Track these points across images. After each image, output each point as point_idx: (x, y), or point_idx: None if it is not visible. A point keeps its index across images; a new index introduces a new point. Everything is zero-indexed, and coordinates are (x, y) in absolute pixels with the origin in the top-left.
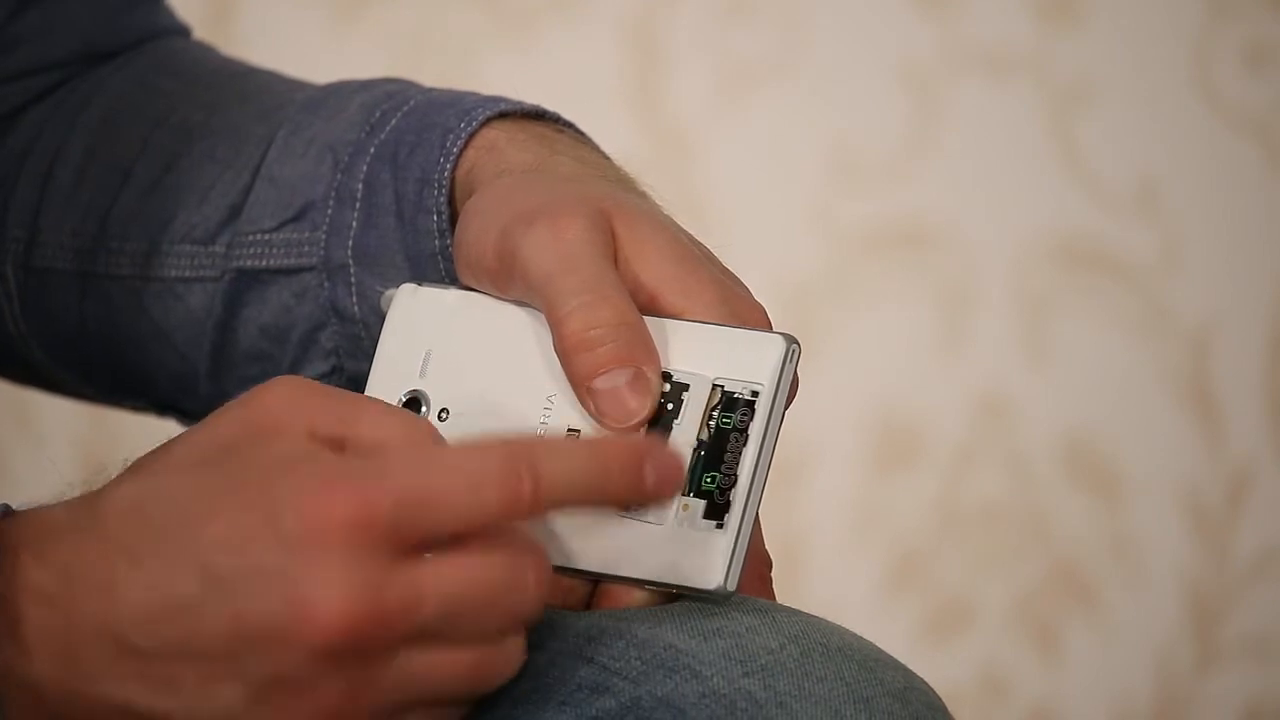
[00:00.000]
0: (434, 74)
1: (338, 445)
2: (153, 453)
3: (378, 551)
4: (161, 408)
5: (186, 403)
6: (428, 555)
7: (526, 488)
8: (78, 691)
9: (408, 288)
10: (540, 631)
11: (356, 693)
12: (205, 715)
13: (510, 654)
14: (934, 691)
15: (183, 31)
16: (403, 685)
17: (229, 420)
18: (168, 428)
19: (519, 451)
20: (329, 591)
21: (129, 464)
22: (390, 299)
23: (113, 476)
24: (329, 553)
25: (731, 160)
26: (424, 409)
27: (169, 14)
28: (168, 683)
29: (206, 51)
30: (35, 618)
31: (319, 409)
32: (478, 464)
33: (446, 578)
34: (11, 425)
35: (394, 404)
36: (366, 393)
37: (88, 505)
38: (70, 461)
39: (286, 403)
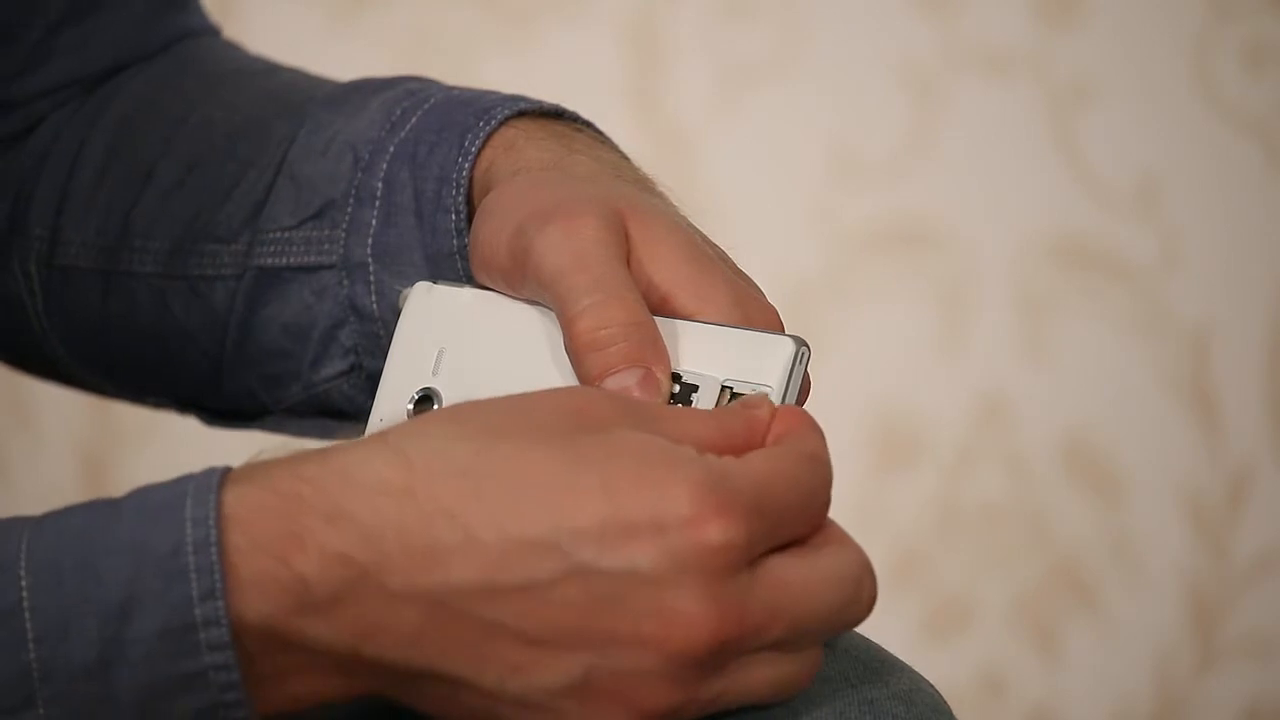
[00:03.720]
0: (434, 74)
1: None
2: (455, 412)
3: (745, 569)
4: (183, 405)
5: (208, 400)
6: (776, 561)
7: (830, 497)
8: (378, 654)
9: (422, 286)
10: None
11: (683, 700)
12: (514, 692)
13: (816, 662)
14: (939, 694)
15: (212, 31)
16: (722, 695)
17: (543, 402)
18: (167, 426)
19: (828, 463)
20: (703, 607)
21: (420, 416)
22: (406, 297)
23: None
24: (710, 571)
25: (731, 160)
26: (437, 407)
27: (199, 14)
28: (483, 655)
29: (230, 50)
30: (336, 581)
31: (632, 405)
32: (818, 479)
33: (801, 593)
34: (11, 425)
35: (407, 402)
36: (380, 390)
37: (388, 458)
38: (70, 461)
39: (603, 399)
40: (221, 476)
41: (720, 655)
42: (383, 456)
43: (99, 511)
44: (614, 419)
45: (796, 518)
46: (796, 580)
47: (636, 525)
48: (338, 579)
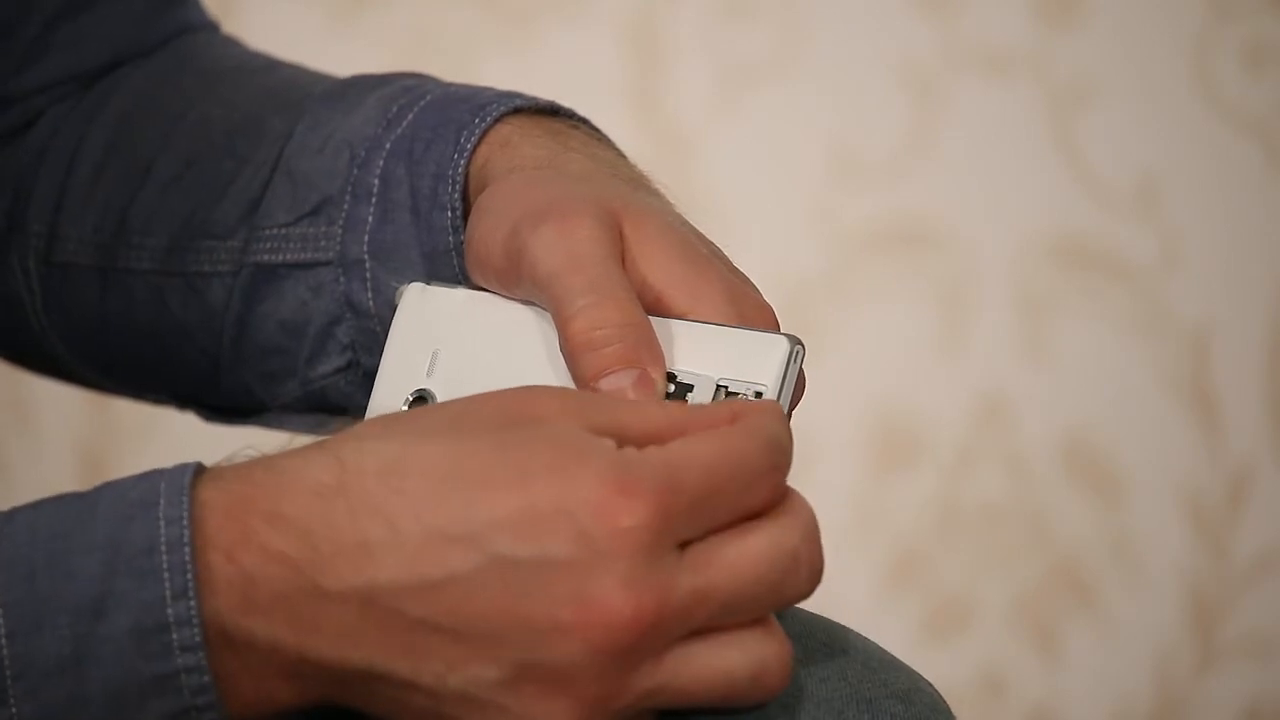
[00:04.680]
0: (434, 74)
1: (611, 437)
2: (392, 417)
3: (666, 552)
4: (181, 401)
5: (206, 396)
6: (707, 542)
7: (782, 478)
8: (318, 654)
9: (416, 287)
10: None
11: (614, 692)
12: (452, 688)
13: (776, 654)
14: (938, 693)
15: (210, 26)
16: (666, 687)
17: (489, 401)
18: (166, 425)
19: (776, 444)
20: (620, 591)
21: (355, 424)
22: (400, 298)
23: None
24: (622, 555)
25: (731, 160)
26: None
27: (197, 9)
28: (418, 651)
29: (229, 45)
30: (273, 579)
31: (583, 399)
32: (751, 459)
33: (730, 570)
34: (11, 424)
35: (402, 404)
36: (374, 391)
37: (324, 461)
38: (70, 460)
39: (549, 394)
40: (192, 474)
41: (646, 640)
42: (319, 460)
43: (71, 506)
44: (553, 414)
45: (727, 495)
46: (724, 560)
47: (548, 513)
48: (278, 577)
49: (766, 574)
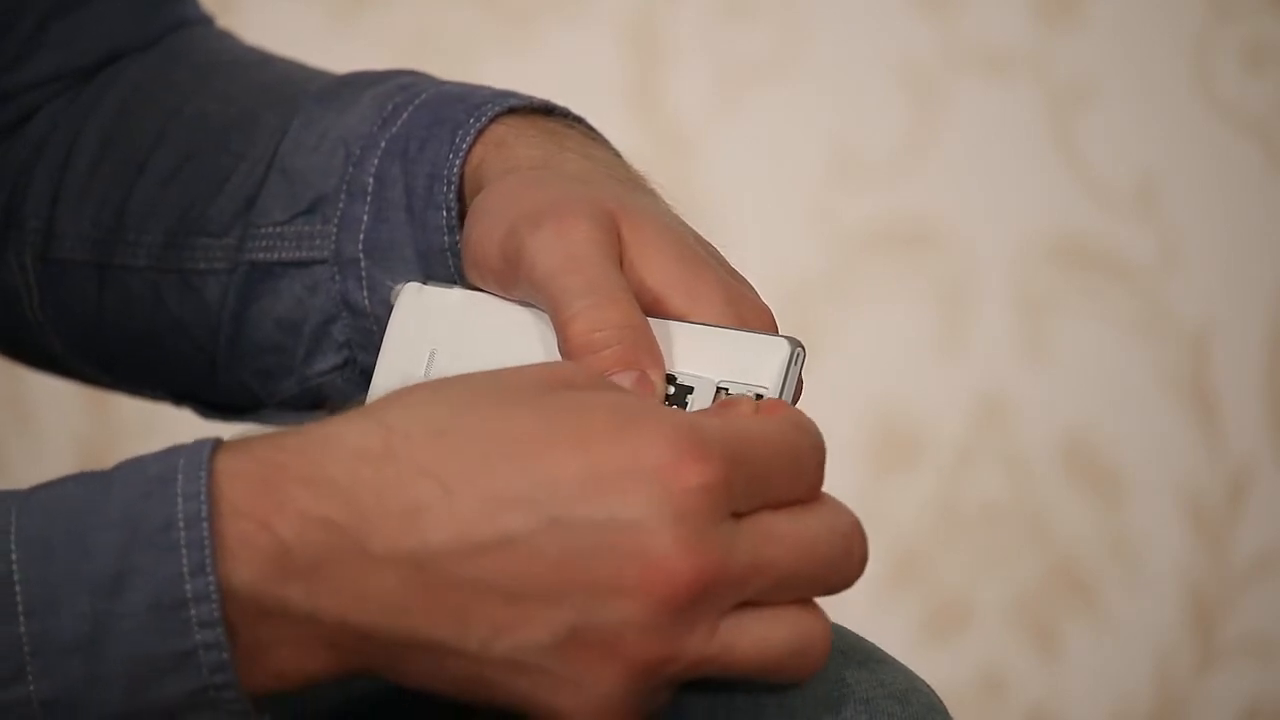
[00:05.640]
0: (433, 73)
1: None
2: (438, 382)
3: (724, 514)
4: (179, 397)
5: (203, 392)
6: (764, 515)
7: (823, 474)
8: (360, 621)
9: (412, 287)
10: None
11: (663, 658)
12: (498, 653)
13: (819, 633)
14: (935, 693)
15: (206, 20)
16: (715, 657)
17: (526, 371)
18: (166, 425)
19: (819, 439)
20: (683, 550)
21: (400, 389)
22: (395, 298)
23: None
24: (689, 516)
25: (731, 160)
26: None
27: (193, 4)
28: (465, 617)
29: (225, 40)
30: (314, 545)
31: (612, 382)
32: (804, 447)
33: (788, 544)
34: (10, 423)
35: None
36: (371, 392)
37: (367, 426)
38: (69, 459)
39: (584, 370)
40: (211, 450)
41: (704, 601)
42: (361, 424)
43: (89, 484)
44: (591, 384)
45: (782, 476)
46: (783, 533)
47: (613, 475)
48: (319, 543)
49: (825, 553)
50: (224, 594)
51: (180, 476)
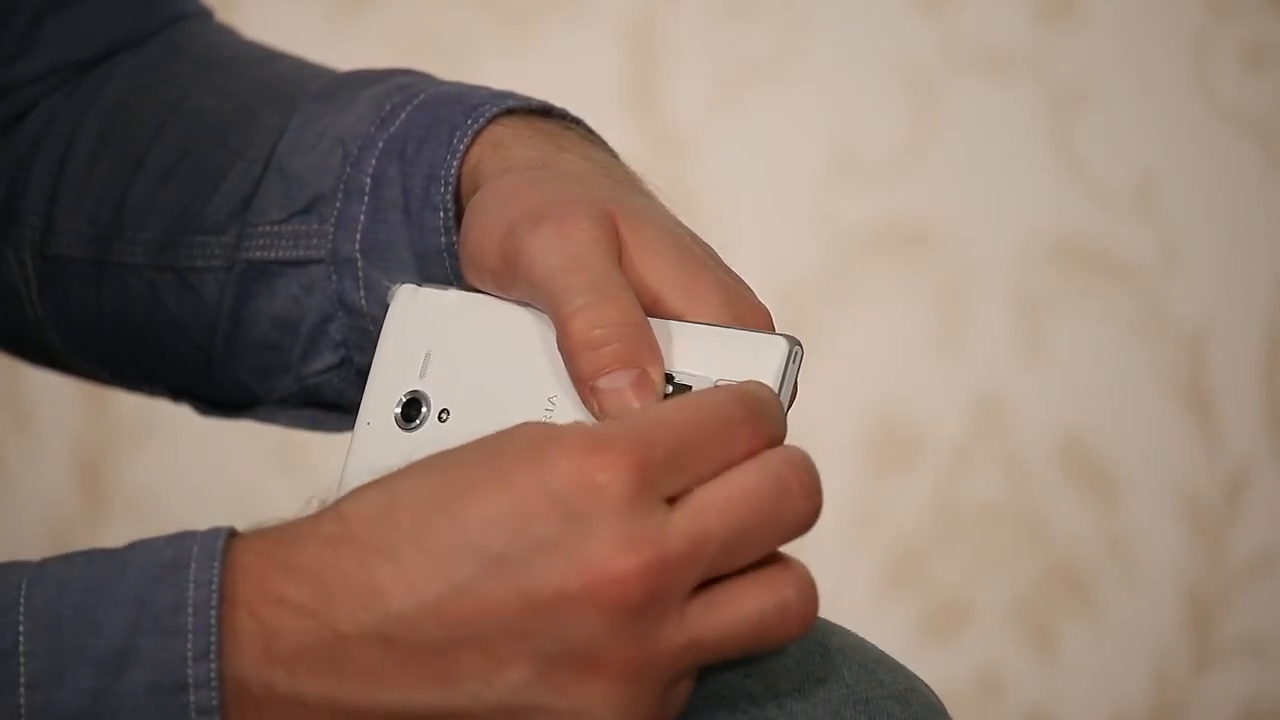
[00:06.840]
0: (433, 74)
1: None
2: (387, 476)
3: (652, 502)
4: (177, 394)
5: (201, 389)
6: (693, 493)
7: (761, 428)
8: (351, 703)
9: (407, 288)
10: None
11: (645, 657)
12: (492, 702)
13: (800, 588)
14: (934, 694)
15: (204, 14)
16: (701, 641)
17: (470, 444)
18: (165, 426)
19: (748, 395)
20: (616, 549)
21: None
22: (391, 300)
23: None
24: (608, 513)
25: (731, 160)
26: (424, 410)
27: None
28: (448, 675)
29: (224, 35)
30: (294, 632)
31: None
32: (723, 409)
33: (720, 509)
34: (9, 423)
35: (395, 405)
36: (366, 393)
37: (329, 516)
38: (68, 459)
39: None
40: (225, 539)
41: (657, 593)
42: (325, 516)
43: (101, 562)
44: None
45: (709, 449)
46: (711, 501)
47: (534, 500)
48: (298, 629)
49: (758, 503)
50: (222, 680)
51: (193, 564)
